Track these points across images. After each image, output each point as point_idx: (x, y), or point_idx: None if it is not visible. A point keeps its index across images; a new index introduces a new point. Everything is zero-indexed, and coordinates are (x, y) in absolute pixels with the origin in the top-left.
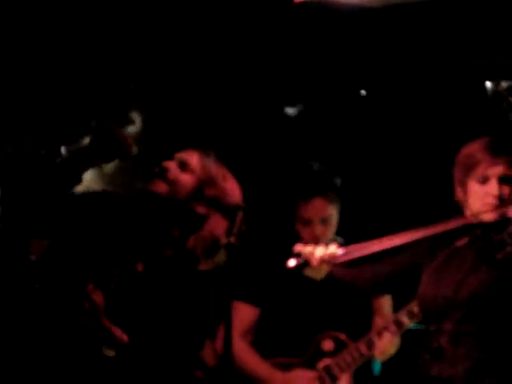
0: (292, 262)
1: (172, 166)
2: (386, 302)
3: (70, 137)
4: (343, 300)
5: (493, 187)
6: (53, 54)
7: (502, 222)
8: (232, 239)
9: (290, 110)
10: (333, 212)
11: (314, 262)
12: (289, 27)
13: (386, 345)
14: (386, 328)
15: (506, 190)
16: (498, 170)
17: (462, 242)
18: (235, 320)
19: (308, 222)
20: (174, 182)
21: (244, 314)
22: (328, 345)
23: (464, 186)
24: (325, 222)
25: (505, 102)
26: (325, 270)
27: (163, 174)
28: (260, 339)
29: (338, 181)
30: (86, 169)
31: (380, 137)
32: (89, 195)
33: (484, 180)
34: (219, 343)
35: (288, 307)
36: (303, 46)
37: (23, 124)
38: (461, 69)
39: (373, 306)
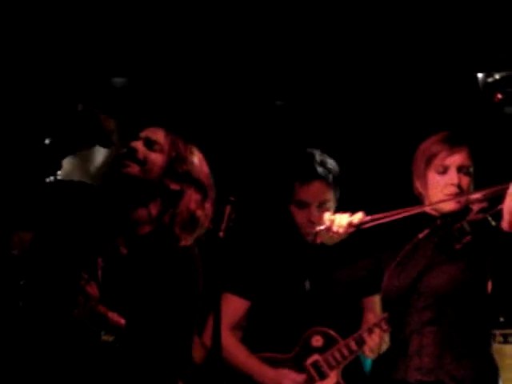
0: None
1: (139, 145)
2: (376, 300)
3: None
4: (334, 296)
5: (452, 176)
6: (37, 43)
7: (463, 211)
8: (221, 233)
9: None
10: (331, 197)
11: (340, 230)
12: (279, 18)
13: (377, 342)
14: (376, 325)
15: (464, 179)
16: (456, 159)
17: (423, 233)
18: (224, 312)
19: (305, 205)
20: (144, 161)
21: (233, 307)
22: (317, 341)
23: (424, 178)
24: (322, 206)
25: (497, 95)
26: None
27: (132, 154)
28: (249, 333)
29: (337, 168)
30: (66, 154)
31: (371, 130)
32: (64, 184)
33: (443, 170)
34: (208, 337)
35: (278, 301)
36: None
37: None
38: (452, 60)
39: (363, 303)
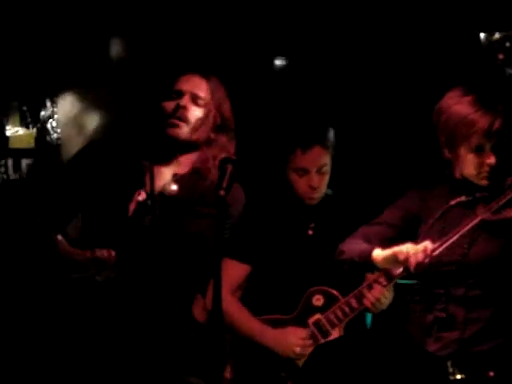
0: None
1: (187, 102)
2: None
3: None
4: (333, 255)
5: (489, 157)
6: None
7: (496, 188)
8: (222, 192)
9: (278, 62)
10: (328, 161)
11: (412, 268)
12: None
13: (377, 297)
14: (376, 281)
15: (495, 158)
16: (492, 140)
17: (455, 200)
18: (225, 277)
19: (305, 172)
20: (192, 121)
21: (234, 271)
22: (318, 300)
23: (454, 150)
24: (321, 171)
25: (499, 55)
26: None
27: (182, 113)
28: (250, 296)
29: (331, 129)
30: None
31: (371, 89)
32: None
33: (478, 149)
34: (208, 300)
35: (278, 264)
36: None
37: None
38: (453, 20)
39: None
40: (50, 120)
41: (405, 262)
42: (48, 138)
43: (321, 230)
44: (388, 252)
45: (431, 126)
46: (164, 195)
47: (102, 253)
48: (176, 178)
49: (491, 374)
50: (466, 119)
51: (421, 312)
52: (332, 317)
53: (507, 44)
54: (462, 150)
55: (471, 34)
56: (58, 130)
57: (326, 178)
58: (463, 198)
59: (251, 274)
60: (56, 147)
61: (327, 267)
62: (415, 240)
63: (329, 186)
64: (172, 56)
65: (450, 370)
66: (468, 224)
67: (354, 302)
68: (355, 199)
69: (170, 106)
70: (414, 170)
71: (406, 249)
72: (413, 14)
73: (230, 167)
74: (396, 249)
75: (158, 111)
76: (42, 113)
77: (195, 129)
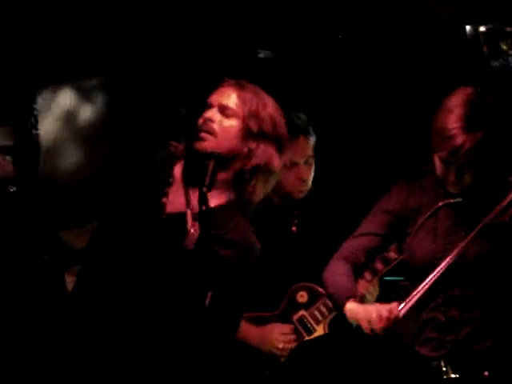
0: None
1: (214, 115)
2: None
3: None
4: (317, 252)
5: (451, 174)
6: None
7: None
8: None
9: (263, 54)
10: (312, 152)
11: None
12: None
13: (361, 293)
14: (361, 277)
15: (455, 176)
16: (460, 159)
17: (444, 201)
18: None
19: (293, 164)
20: (220, 132)
21: None
22: (302, 296)
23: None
24: (308, 162)
25: (485, 47)
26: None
27: (208, 126)
28: None
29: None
30: None
31: (355, 82)
32: None
33: (445, 162)
34: None
35: (262, 261)
36: None
37: None
38: (439, 12)
39: None
40: (29, 117)
41: (367, 327)
42: (28, 136)
43: (304, 226)
44: (355, 311)
45: (415, 121)
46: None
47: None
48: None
49: (486, 373)
50: (443, 132)
51: (411, 311)
52: (316, 313)
53: (493, 37)
54: (435, 155)
55: (457, 27)
56: (38, 127)
57: (313, 168)
58: (451, 200)
59: None
60: (36, 143)
61: (311, 263)
62: (404, 239)
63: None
64: (160, 52)
65: (444, 369)
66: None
67: None
68: (338, 195)
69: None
70: (398, 165)
71: (373, 315)
72: (400, 8)
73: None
74: (362, 313)
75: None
76: (21, 109)
77: (224, 140)
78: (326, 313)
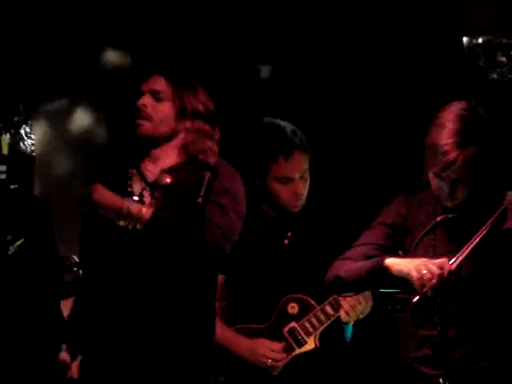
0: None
1: (148, 100)
2: None
3: None
4: (309, 265)
5: (442, 187)
6: None
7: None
8: (200, 199)
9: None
10: (307, 166)
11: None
12: None
13: (352, 305)
14: None
15: (448, 190)
16: (453, 174)
17: (442, 217)
18: None
19: (288, 180)
20: (155, 116)
21: None
22: (293, 308)
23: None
24: (304, 176)
25: (481, 60)
26: None
27: (143, 112)
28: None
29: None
30: None
31: (353, 94)
32: None
33: (438, 176)
34: None
35: (253, 274)
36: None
37: None
38: (436, 24)
39: None
40: (24, 125)
41: (419, 282)
42: (22, 145)
43: (297, 239)
44: (402, 264)
45: (412, 135)
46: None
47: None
48: (166, 171)
49: None
50: (435, 148)
51: (409, 325)
52: (307, 325)
53: (489, 49)
54: (429, 170)
55: (454, 38)
56: (32, 136)
57: (308, 183)
58: (449, 216)
59: (227, 285)
60: (30, 153)
61: (303, 276)
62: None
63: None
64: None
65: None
66: (478, 236)
67: (329, 310)
68: (331, 209)
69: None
70: (392, 180)
71: (422, 269)
72: (397, 20)
73: (208, 174)
74: (410, 265)
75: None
76: (16, 118)
77: (160, 123)
78: (317, 325)
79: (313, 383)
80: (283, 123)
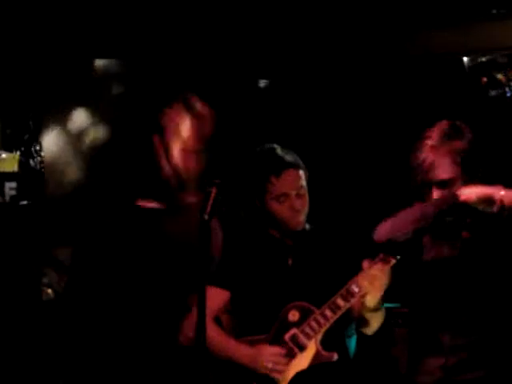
0: None
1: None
2: None
3: None
4: (313, 282)
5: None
6: None
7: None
8: (206, 216)
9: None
10: (304, 182)
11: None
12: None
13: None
14: (347, 290)
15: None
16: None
17: (450, 218)
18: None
19: (284, 197)
20: None
21: (213, 298)
22: (293, 315)
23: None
24: (300, 193)
25: (483, 78)
26: None
27: None
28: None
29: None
30: None
31: (351, 114)
32: None
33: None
34: (191, 326)
35: (257, 291)
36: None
37: None
38: (436, 44)
39: None
40: (34, 143)
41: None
42: (31, 162)
43: (300, 260)
44: (480, 191)
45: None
46: None
47: None
48: None
49: None
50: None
51: (406, 336)
52: (307, 329)
53: (491, 67)
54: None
55: (455, 57)
56: (42, 154)
57: (307, 198)
58: (449, 218)
59: (232, 299)
60: (39, 170)
61: (306, 295)
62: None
63: (308, 220)
64: (157, 79)
65: None
66: None
67: (328, 313)
68: (334, 232)
69: None
70: (391, 197)
71: (502, 191)
72: (396, 38)
73: (214, 190)
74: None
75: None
76: (26, 136)
77: None
78: (317, 328)
79: None
80: (275, 145)
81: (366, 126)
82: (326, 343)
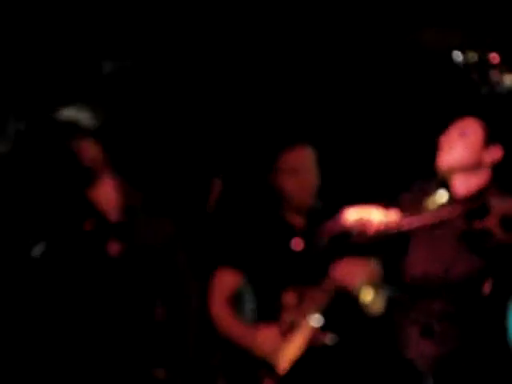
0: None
1: None
2: None
3: None
4: (323, 266)
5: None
6: None
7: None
8: (209, 208)
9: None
10: (314, 163)
11: (370, 231)
12: None
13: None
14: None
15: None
16: None
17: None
18: (220, 284)
19: (294, 172)
20: None
21: (227, 279)
22: (291, 298)
23: None
24: (310, 171)
25: (475, 74)
26: None
27: None
28: None
29: None
30: None
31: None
32: None
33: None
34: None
35: (270, 271)
36: None
37: None
38: (428, 39)
39: None
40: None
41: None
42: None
43: (310, 242)
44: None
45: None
46: None
47: None
48: None
49: None
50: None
51: (402, 323)
52: (304, 309)
53: (483, 63)
54: None
55: (447, 53)
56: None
57: (316, 179)
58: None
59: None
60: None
61: (316, 275)
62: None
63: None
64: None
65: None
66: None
67: (318, 293)
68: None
69: None
70: (401, 182)
71: (372, 215)
72: (389, 35)
73: (216, 183)
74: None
75: None
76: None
77: None
78: (313, 308)
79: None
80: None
81: (362, 124)
82: (327, 325)
